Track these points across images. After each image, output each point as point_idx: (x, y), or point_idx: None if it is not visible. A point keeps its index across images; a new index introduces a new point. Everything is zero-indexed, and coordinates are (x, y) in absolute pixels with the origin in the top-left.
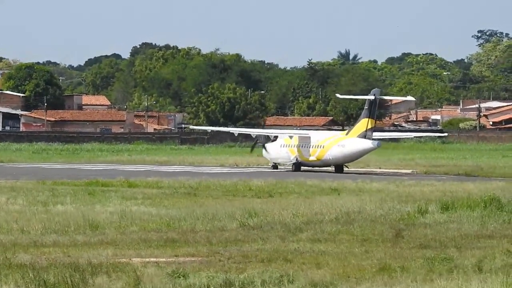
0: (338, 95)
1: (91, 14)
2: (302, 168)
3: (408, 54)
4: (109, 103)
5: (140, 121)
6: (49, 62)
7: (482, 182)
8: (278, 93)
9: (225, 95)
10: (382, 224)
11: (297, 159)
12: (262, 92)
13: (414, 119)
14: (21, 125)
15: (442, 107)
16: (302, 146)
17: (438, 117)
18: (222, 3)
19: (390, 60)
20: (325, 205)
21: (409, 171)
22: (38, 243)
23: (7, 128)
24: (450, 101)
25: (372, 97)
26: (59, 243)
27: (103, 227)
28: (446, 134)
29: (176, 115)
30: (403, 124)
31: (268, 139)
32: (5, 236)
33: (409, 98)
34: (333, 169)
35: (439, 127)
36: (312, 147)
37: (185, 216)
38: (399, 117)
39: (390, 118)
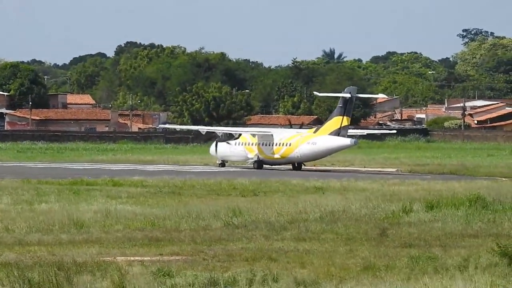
0: (316, 93)
1: (76, 13)
2: (295, 167)
3: (393, 53)
4: (93, 102)
5: (124, 120)
6: (34, 61)
7: (467, 181)
8: (262, 92)
9: (210, 94)
10: (366, 223)
11: (258, 157)
12: (247, 91)
13: (399, 118)
14: (5, 124)
15: (427, 106)
16: (264, 144)
17: (423, 116)
18: (207, 2)
19: (375, 59)
20: (309, 204)
21: (393, 170)
22: (23, 242)
23: None
24: (435, 100)
25: (348, 95)
26: (43, 242)
27: (88, 226)
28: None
29: (161, 114)
30: (388, 123)
31: (231, 137)
32: None
33: (380, 95)
34: (291, 167)
35: (424, 126)
36: (277, 145)
37: (169, 215)
38: (384, 116)
39: (375, 117)
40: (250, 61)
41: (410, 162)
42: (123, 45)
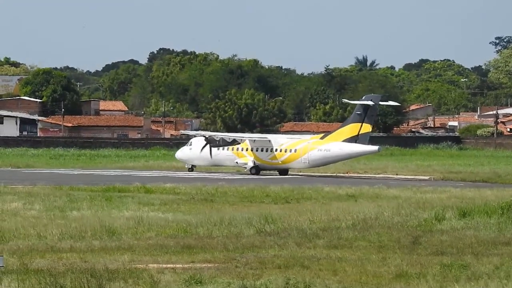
0: (345, 100)
1: (109, 20)
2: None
3: (426, 61)
4: (126, 108)
5: (157, 127)
6: (66, 68)
7: (499, 189)
8: (295, 99)
9: (242, 101)
10: (399, 230)
11: (254, 162)
12: (279, 98)
13: (432, 126)
14: (38, 130)
15: (459, 114)
16: (261, 150)
17: (455, 123)
18: (240, 10)
19: (408, 67)
20: (342, 211)
21: (426, 177)
22: (55, 249)
23: (25, 133)
24: (467, 107)
25: (370, 103)
26: (76, 249)
27: (120, 232)
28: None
29: (193, 121)
30: (421, 131)
31: (224, 142)
32: (22, 242)
33: (391, 103)
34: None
35: (457, 134)
36: (277, 151)
37: (202, 222)
38: (417, 124)
39: (407, 125)
40: (283, 68)
41: (442, 170)
42: (155, 52)
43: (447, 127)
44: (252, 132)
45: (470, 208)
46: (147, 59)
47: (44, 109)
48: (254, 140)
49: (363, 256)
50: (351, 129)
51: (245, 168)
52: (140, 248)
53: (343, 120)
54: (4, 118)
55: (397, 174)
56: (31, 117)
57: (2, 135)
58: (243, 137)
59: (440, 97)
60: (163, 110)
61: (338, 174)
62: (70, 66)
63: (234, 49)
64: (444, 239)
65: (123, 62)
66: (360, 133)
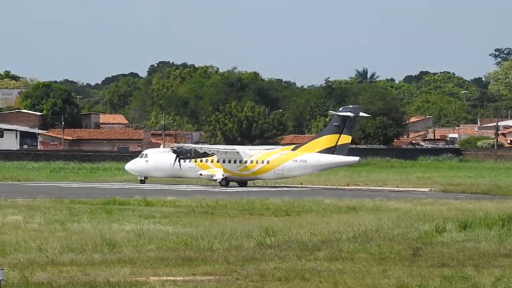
0: (331, 111)
1: (108, 33)
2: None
3: (426, 73)
4: (126, 121)
5: (157, 139)
6: (66, 81)
7: (500, 200)
8: (295, 111)
9: (243, 114)
10: (399, 242)
11: (222, 174)
12: (280, 110)
13: (432, 138)
14: (38, 143)
15: (459, 126)
16: (228, 162)
17: (455, 135)
18: (239, 22)
19: (408, 79)
20: (342, 223)
21: (426, 189)
22: (56, 262)
23: (25, 146)
24: (467, 119)
25: (350, 114)
26: (76, 262)
27: (121, 245)
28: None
29: (193, 134)
30: (421, 143)
31: (196, 153)
32: (22, 255)
33: (363, 114)
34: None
35: (457, 146)
36: (247, 162)
37: (202, 234)
38: (417, 136)
39: (407, 137)
40: (283, 80)
41: (443, 182)
42: (155, 65)
43: (447, 139)
44: (253, 145)
45: (471, 220)
46: (147, 72)
47: (44, 122)
48: (224, 152)
49: (363, 268)
50: (328, 140)
51: (211, 180)
52: (141, 261)
53: None
54: (4, 131)
55: (397, 187)
56: (31, 130)
57: (2, 149)
58: (211, 148)
59: (440, 109)
60: (163, 123)
61: (338, 187)
62: (70, 79)
63: (234, 62)
64: (444, 251)
65: (123, 75)
66: (338, 144)
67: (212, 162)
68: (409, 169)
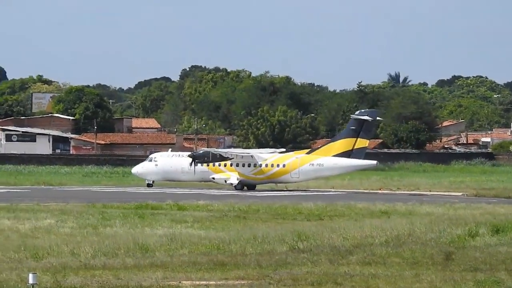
0: (352, 115)
1: (141, 37)
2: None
3: (459, 77)
4: (158, 126)
5: (189, 144)
6: (99, 85)
7: None
8: (327, 115)
9: (275, 118)
10: (432, 247)
11: (237, 178)
12: (312, 115)
13: (465, 142)
14: (71, 148)
15: (492, 130)
16: (242, 165)
17: (488, 139)
18: (272, 26)
19: (441, 83)
20: (375, 228)
21: (459, 194)
22: (88, 266)
23: (57, 151)
24: (500, 123)
25: (368, 118)
26: (109, 266)
27: (153, 250)
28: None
29: (226, 138)
30: (454, 147)
31: (213, 158)
32: (55, 259)
33: (379, 118)
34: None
35: (489, 150)
36: (261, 166)
37: (234, 239)
38: (449, 140)
39: (440, 141)
40: (315, 84)
41: (475, 186)
42: (188, 69)
43: (480, 143)
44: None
45: (503, 225)
46: (179, 76)
47: (76, 127)
48: (240, 156)
49: (396, 272)
50: (344, 144)
51: (225, 184)
52: (173, 265)
53: (375, 137)
54: (37, 136)
55: (430, 191)
56: (64, 135)
57: (35, 153)
58: (227, 152)
59: (472, 113)
60: (195, 127)
61: (371, 191)
62: (102, 84)
63: (266, 66)
64: (477, 256)
65: (156, 79)
66: (354, 147)
67: (225, 166)
68: (442, 174)
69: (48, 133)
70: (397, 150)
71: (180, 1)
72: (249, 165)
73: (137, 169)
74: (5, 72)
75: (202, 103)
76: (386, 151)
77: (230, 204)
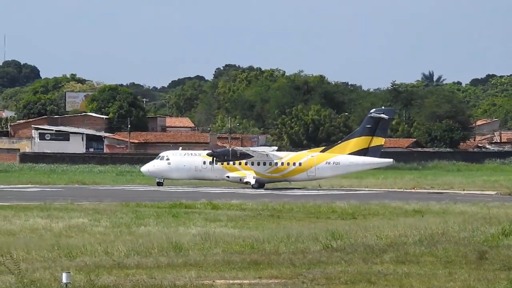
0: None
1: (174, 36)
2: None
3: (493, 76)
4: (192, 125)
5: (223, 143)
6: (132, 84)
7: None
8: (361, 114)
9: (309, 117)
10: (465, 246)
11: (253, 176)
12: (346, 114)
13: (498, 141)
14: (104, 147)
15: None
16: (257, 164)
17: None
18: (306, 25)
19: (474, 82)
20: (408, 226)
21: (493, 192)
22: (122, 265)
23: (91, 150)
24: None
25: (384, 116)
26: (142, 265)
27: (187, 249)
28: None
29: (260, 137)
30: (487, 146)
31: (233, 156)
32: (89, 258)
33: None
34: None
35: None
36: (277, 164)
37: (268, 238)
38: (483, 139)
39: (474, 140)
40: (349, 83)
41: (509, 185)
42: (221, 68)
43: None
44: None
45: None
46: (213, 75)
47: (110, 126)
48: (260, 154)
49: (429, 271)
50: (360, 142)
51: (240, 182)
52: (207, 264)
53: (409, 136)
54: (71, 134)
55: (464, 190)
56: (98, 133)
57: (68, 152)
58: (248, 151)
59: (506, 112)
60: (229, 126)
61: (404, 190)
62: (136, 83)
63: (300, 65)
64: (511, 254)
65: (189, 78)
66: (370, 145)
67: (240, 164)
68: (475, 172)
69: (81, 132)
70: (430, 149)
71: (215, 0)
72: (264, 164)
73: (148, 167)
74: (39, 71)
75: (236, 102)
76: (420, 150)
77: (264, 203)
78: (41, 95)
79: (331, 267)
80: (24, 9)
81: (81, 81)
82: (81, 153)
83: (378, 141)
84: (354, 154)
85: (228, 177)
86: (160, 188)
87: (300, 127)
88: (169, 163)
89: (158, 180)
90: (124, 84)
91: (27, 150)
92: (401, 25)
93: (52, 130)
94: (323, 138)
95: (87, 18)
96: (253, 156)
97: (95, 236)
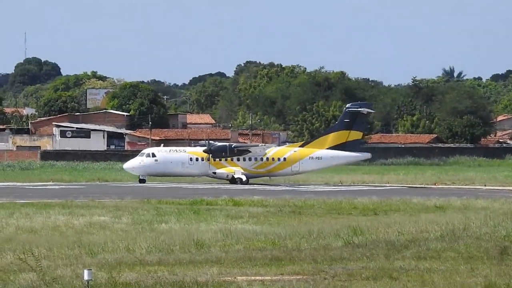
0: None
1: (195, 33)
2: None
3: None
4: (213, 121)
5: (244, 139)
6: (153, 81)
7: None
8: (382, 110)
9: (330, 113)
10: (487, 241)
11: (241, 172)
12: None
13: None
14: (125, 144)
15: None
16: (243, 160)
17: None
18: (326, 22)
19: (495, 77)
20: (430, 222)
21: None
22: (144, 262)
23: (112, 147)
24: None
25: (363, 110)
26: (164, 262)
27: (208, 245)
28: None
29: (281, 133)
30: (508, 141)
31: (231, 152)
32: (110, 255)
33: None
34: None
35: None
36: (263, 160)
37: (290, 234)
38: (504, 135)
39: (495, 135)
40: (370, 79)
41: None
42: (242, 65)
43: None
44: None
45: None
46: (234, 72)
47: (131, 123)
48: (257, 149)
49: (451, 267)
50: (338, 136)
51: (228, 178)
52: (228, 261)
53: (430, 132)
54: (92, 132)
55: (485, 185)
56: (119, 130)
57: (89, 149)
58: (244, 146)
59: None
60: (250, 122)
61: (425, 186)
62: (157, 80)
63: (321, 61)
64: None
65: (210, 75)
66: (348, 140)
67: (226, 160)
68: (496, 168)
69: (102, 129)
70: (451, 145)
71: None
72: (250, 159)
73: (132, 164)
74: (60, 68)
75: (257, 98)
76: (441, 146)
77: (285, 200)
78: (62, 93)
79: (353, 263)
80: (45, 6)
81: (102, 78)
82: (102, 150)
83: (356, 135)
84: (333, 149)
85: (214, 173)
86: (175, 185)
87: (321, 123)
88: (156, 160)
89: (141, 177)
90: (145, 81)
91: (48, 147)
92: (421, 21)
93: (73, 127)
94: None
95: (108, 15)
96: (250, 152)
97: (116, 233)
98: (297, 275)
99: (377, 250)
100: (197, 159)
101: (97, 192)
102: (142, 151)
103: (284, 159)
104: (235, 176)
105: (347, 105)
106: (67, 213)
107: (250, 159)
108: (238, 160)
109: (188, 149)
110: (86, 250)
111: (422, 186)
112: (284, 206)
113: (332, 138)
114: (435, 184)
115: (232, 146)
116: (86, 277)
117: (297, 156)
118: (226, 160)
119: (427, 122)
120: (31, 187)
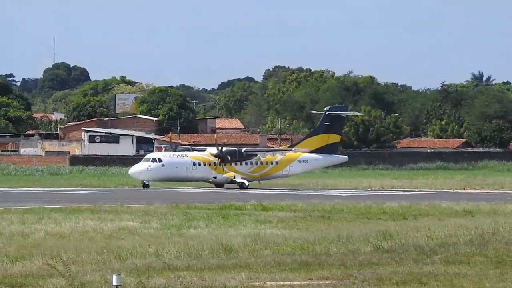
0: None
1: (224, 38)
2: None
3: None
4: (242, 126)
5: (273, 144)
6: (182, 86)
7: None
8: (411, 115)
9: (359, 118)
10: None
11: (241, 177)
12: (396, 114)
13: None
14: (154, 149)
15: None
16: (240, 164)
17: None
18: (355, 27)
19: None
20: (459, 227)
21: None
22: (172, 267)
23: (141, 152)
24: None
25: (339, 113)
26: (193, 267)
27: (237, 250)
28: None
29: None
30: None
31: (240, 156)
32: (139, 260)
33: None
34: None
35: None
36: (257, 164)
37: (319, 239)
38: None
39: None
40: (399, 84)
41: None
42: (271, 69)
43: None
44: (369, 149)
45: None
46: (263, 77)
47: (160, 128)
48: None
49: (480, 271)
50: (319, 139)
51: (228, 182)
52: (257, 266)
53: (459, 136)
54: (120, 137)
55: None
56: (147, 135)
57: (118, 154)
58: (253, 151)
59: None
60: (279, 127)
61: (455, 190)
62: (186, 85)
63: (350, 66)
64: None
65: (239, 79)
66: (328, 143)
67: (225, 165)
68: None
69: (131, 134)
70: (480, 149)
71: (263, 1)
72: (246, 163)
73: (138, 169)
74: (88, 73)
75: (286, 103)
76: (470, 150)
77: (314, 204)
78: (90, 98)
79: (382, 267)
80: (74, 11)
81: (131, 83)
82: (131, 155)
83: (335, 138)
84: (315, 152)
85: (215, 178)
86: (189, 190)
87: (350, 127)
88: (163, 165)
89: (146, 182)
90: (174, 86)
91: (77, 152)
92: (449, 25)
93: (102, 132)
94: (373, 139)
95: (137, 20)
96: (257, 156)
97: (145, 238)
98: (326, 280)
99: (406, 255)
100: (199, 164)
101: (126, 197)
102: (146, 156)
103: (276, 162)
104: (237, 181)
105: (326, 108)
106: (96, 218)
107: (246, 163)
108: (236, 164)
109: (190, 153)
110: (115, 255)
111: (451, 190)
112: (313, 210)
113: (315, 141)
114: (464, 189)
115: (242, 150)
116: (115, 282)
117: (287, 160)
118: (225, 165)
119: (456, 126)
120: (60, 192)
